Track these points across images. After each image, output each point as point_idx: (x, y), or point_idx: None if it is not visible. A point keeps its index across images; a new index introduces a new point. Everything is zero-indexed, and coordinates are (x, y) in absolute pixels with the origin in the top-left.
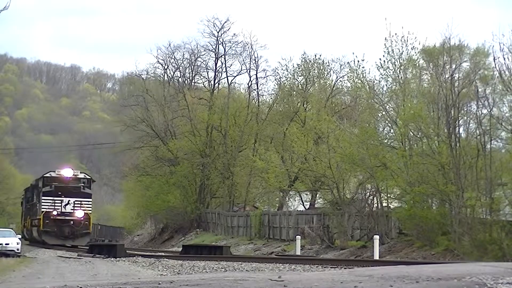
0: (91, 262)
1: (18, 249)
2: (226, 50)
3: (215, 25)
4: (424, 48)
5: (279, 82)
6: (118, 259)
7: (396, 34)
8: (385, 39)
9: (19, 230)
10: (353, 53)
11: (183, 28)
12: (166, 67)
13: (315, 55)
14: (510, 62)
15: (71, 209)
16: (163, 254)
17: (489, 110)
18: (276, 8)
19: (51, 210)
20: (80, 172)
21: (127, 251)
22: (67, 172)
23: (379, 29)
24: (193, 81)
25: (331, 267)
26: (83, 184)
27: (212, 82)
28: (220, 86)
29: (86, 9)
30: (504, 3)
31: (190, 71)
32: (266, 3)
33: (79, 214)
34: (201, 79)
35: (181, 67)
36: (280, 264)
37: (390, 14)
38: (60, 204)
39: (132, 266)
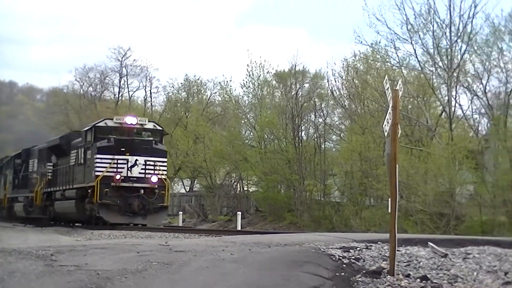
0: (23, 230)
1: None
2: (128, 71)
3: (119, 52)
4: (276, 72)
5: (167, 96)
6: (43, 228)
7: (255, 61)
8: (247, 65)
9: None
10: (223, 75)
11: (96, 54)
12: (82, 83)
13: (195, 76)
14: (339, 84)
15: (141, 173)
16: (78, 224)
17: (323, 119)
18: (168, 39)
19: (113, 174)
20: (149, 121)
21: (50, 222)
22: (130, 120)
23: (243, 57)
24: (102, 94)
25: (205, 235)
26: (154, 138)
27: (117, 96)
28: (123, 98)
29: (19, 39)
30: (334, 39)
31: (100, 87)
32: (160, 36)
33: (152, 179)
34: (109, 93)
35: (93, 84)
36: (167, 233)
37: (251, 45)
38: (124, 165)
39: (54, 234)
